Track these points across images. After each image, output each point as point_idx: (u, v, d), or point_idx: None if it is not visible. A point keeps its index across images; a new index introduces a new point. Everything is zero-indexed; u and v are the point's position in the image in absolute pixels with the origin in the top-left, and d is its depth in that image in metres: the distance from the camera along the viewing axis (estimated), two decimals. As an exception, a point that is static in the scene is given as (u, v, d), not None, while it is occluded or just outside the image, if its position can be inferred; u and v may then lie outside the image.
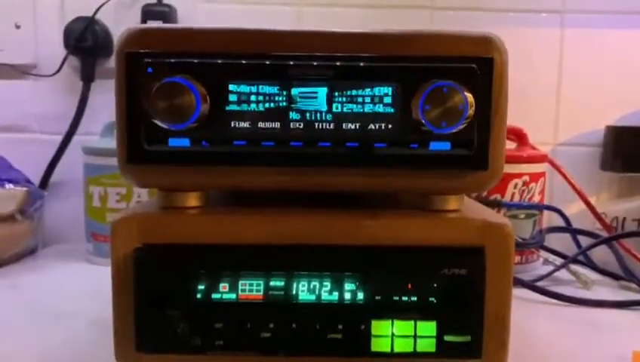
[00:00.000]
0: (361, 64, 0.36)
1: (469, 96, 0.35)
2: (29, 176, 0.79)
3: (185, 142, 0.36)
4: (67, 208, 0.84)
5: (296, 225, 0.39)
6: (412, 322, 0.37)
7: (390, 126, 0.36)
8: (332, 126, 0.36)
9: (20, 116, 0.84)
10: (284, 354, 0.38)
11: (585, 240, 0.75)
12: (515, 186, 0.70)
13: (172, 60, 0.35)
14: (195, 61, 0.35)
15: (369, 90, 0.36)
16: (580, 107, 0.84)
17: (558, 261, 0.70)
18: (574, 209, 0.81)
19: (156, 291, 0.38)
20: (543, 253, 0.72)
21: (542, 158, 0.73)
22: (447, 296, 0.37)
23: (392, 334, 0.37)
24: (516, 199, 0.70)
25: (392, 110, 0.36)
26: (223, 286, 0.38)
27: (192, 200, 0.40)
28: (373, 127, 0.36)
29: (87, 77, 0.80)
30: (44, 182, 0.83)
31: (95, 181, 0.72)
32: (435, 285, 0.37)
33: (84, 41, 0.78)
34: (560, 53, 0.84)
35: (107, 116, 0.76)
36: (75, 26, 0.78)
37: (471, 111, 0.35)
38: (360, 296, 0.38)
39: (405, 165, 0.37)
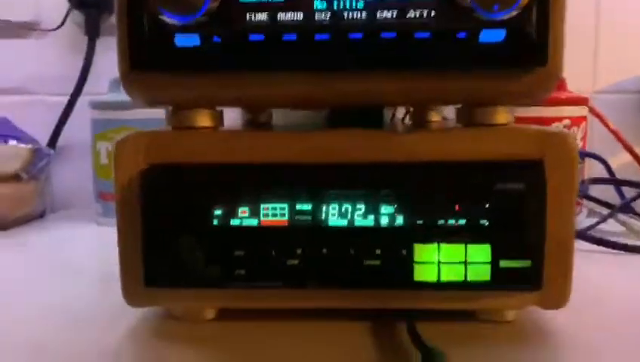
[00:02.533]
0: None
1: (526, -24, 0.30)
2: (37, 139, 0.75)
3: (194, 39, 0.31)
4: (76, 173, 0.80)
5: (325, 141, 0.34)
6: (462, 246, 0.32)
7: (433, 13, 0.31)
8: (364, 15, 0.31)
9: (24, 78, 0.79)
10: (313, 285, 0.33)
11: (628, 193, 0.69)
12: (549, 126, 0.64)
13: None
14: (205, -56, 0.30)
15: (408, -29, 0.30)
16: (619, 53, 0.78)
17: (604, 212, 0.64)
18: (616, 160, 0.75)
19: (167, 216, 0.33)
20: (587, 204, 0.66)
21: (583, 101, 0.67)
22: (503, 215, 0.32)
23: (439, 261, 0.32)
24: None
25: (435, -6, 0.30)
26: (243, 211, 0.33)
27: (205, 119, 0.35)
28: (413, 15, 0.31)
29: (92, 33, 0.76)
30: (51, 146, 0.78)
31: (102, 136, 0.68)
32: (488, 202, 0.32)
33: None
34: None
35: (114, 74, 0.72)
36: (78, -23, 0.74)
37: (528, -7, 0.30)
38: (399, 219, 0.33)
39: (452, 61, 0.31)
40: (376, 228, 0.33)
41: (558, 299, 0.34)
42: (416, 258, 0.32)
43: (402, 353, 0.32)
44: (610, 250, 0.54)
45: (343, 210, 0.33)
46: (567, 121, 0.65)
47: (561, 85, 0.69)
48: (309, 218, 0.33)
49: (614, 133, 0.70)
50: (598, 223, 0.62)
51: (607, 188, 0.71)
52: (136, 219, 0.33)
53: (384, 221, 0.33)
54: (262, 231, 0.33)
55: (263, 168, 0.33)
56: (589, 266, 0.46)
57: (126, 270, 0.34)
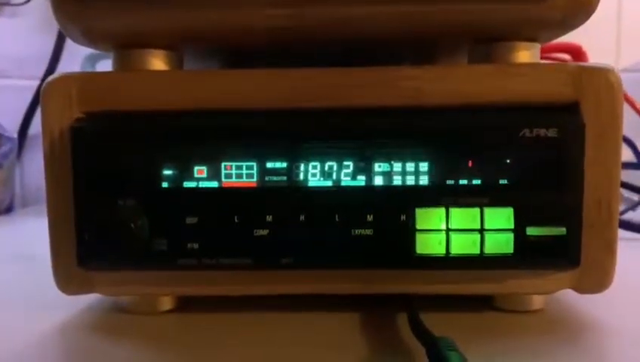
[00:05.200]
0: None
1: None
2: (8, 128, 0.68)
3: (133, -56, 0.25)
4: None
5: (304, 82, 0.27)
6: (477, 209, 0.25)
7: None
8: None
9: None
10: (289, 264, 0.26)
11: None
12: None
13: None
14: None
15: None
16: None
17: (634, 198, 0.57)
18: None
19: (103, 176, 0.26)
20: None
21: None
22: (529, 171, 0.25)
23: (448, 228, 0.25)
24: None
25: None
26: (200, 171, 0.26)
27: (158, 61, 0.28)
28: None
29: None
30: (22, 134, 0.72)
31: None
32: (512, 154, 0.25)
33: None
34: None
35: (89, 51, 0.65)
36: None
37: None
38: (397, 177, 0.26)
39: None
40: (368, 189, 0.26)
41: (600, 280, 0.27)
42: (419, 225, 0.25)
43: (403, 348, 0.25)
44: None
45: (327, 167, 0.26)
46: (590, 96, 0.58)
47: (583, 58, 0.62)
48: (284, 178, 0.26)
49: (641, 112, 0.63)
50: (627, 210, 0.55)
51: (635, 172, 0.64)
52: (68, 182, 0.27)
53: (378, 180, 0.26)
54: (223, 195, 0.26)
55: (223, 116, 0.26)
56: (621, 255, 0.39)
57: (57, 248, 0.27)
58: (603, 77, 0.26)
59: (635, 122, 0.64)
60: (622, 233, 0.47)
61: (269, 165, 0.26)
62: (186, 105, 0.27)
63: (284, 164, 0.26)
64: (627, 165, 0.64)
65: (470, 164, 0.25)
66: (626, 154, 0.65)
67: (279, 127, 0.26)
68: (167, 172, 0.26)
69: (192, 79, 0.27)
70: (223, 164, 0.26)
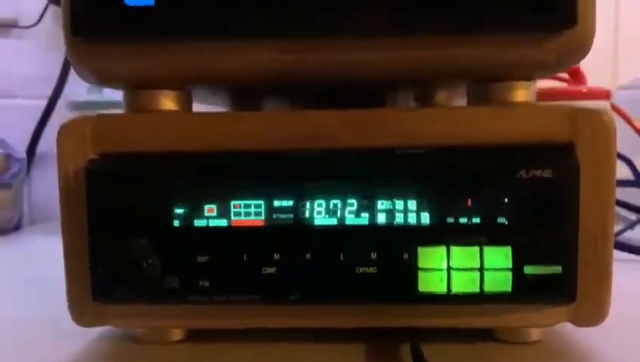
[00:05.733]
0: None
1: None
2: (15, 147, 0.69)
3: (147, -3, 0.26)
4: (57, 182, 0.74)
5: (308, 124, 0.28)
6: (477, 248, 0.26)
7: (437, -38, 0.25)
8: (353, -34, 0.25)
9: (1, 79, 0.74)
10: (296, 299, 0.27)
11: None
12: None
13: None
14: None
15: None
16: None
17: (631, 217, 0.58)
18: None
19: (117, 216, 0.27)
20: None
21: (605, 95, 0.61)
22: (526, 210, 0.26)
23: (449, 267, 0.26)
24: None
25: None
26: (210, 209, 0.27)
27: (168, 101, 0.29)
28: (413, -35, 0.25)
29: (74, 31, 0.71)
30: (31, 153, 0.73)
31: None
32: (509, 194, 0.26)
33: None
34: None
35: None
36: (57, -30, 0.69)
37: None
38: (399, 216, 0.27)
39: (460, 23, 0.25)
40: (372, 228, 0.27)
41: (596, 313, 0.28)
42: (421, 264, 0.26)
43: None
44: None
45: (332, 206, 0.27)
46: (588, 117, 0.59)
47: (578, 77, 0.63)
48: (290, 216, 0.27)
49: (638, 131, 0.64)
50: (625, 229, 0.56)
51: (633, 190, 0.65)
52: (82, 219, 0.28)
53: (381, 219, 0.27)
54: (232, 233, 0.27)
55: (233, 157, 0.28)
56: (619, 277, 0.40)
57: (72, 282, 0.29)
58: (597, 118, 0.27)
59: (632, 140, 0.65)
60: (619, 254, 0.48)
61: (277, 203, 0.27)
62: (195, 146, 0.28)
63: (291, 203, 0.27)
64: (624, 183, 0.64)
65: (469, 203, 0.27)
66: (624, 172, 0.66)
67: (285, 168, 0.27)
68: (178, 211, 0.27)
69: (201, 121, 0.28)
70: (232, 203, 0.27)
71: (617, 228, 0.57)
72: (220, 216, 0.27)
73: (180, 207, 0.27)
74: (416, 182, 0.27)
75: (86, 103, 0.62)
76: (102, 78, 0.29)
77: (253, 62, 0.28)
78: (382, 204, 0.27)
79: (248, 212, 0.27)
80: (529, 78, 0.29)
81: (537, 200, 0.26)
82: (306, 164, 0.27)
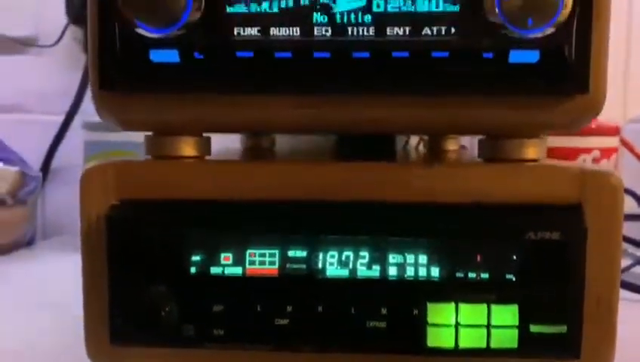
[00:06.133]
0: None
1: (565, -15, 0.25)
2: (30, 161, 0.71)
3: (172, 55, 0.27)
4: (71, 196, 0.75)
5: (323, 176, 0.29)
6: (484, 306, 0.27)
7: (454, 29, 0.26)
8: (372, 31, 0.26)
9: (19, 95, 0.76)
10: (308, 349, 0.28)
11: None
12: (584, 163, 0.59)
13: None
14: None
15: (423, -21, 0.26)
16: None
17: (638, 253, 0.59)
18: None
19: (136, 262, 0.28)
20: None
21: (614, 131, 0.62)
22: (533, 269, 0.27)
23: (457, 323, 0.27)
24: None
25: (456, 6, 0.26)
26: (225, 257, 0.28)
27: (188, 147, 0.30)
28: (430, 32, 0.26)
29: (92, 49, 0.72)
30: (45, 168, 0.75)
31: (95, 159, 0.63)
32: (516, 255, 0.27)
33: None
34: (629, 18, 0.73)
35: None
36: (77, -9, 0.70)
37: (567, 7, 0.25)
38: (410, 270, 0.27)
39: (476, 86, 0.26)
40: (383, 281, 0.27)
41: (600, 369, 0.28)
42: (430, 319, 0.27)
43: None
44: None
45: (344, 257, 0.28)
46: (596, 153, 0.60)
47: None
48: (304, 266, 0.28)
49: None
50: (632, 266, 0.56)
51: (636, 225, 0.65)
52: (103, 263, 0.29)
53: (392, 272, 0.28)
54: (247, 282, 0.28)
55: (249, 206, 0.28)
56: (625, 318, 0.40)
57: (90, 324, 0.29)
58: (605, 180, 0.28)
59: (638, 172, 0.65)
60: (624, 293, 0.48)
61: (290, 254, 0.28)
62: (214, 194, 0.29)
63: (304, 253, 0.28)
64: (630, 217, 0.65)
65: (478, 259, 0.27)
66: (630, 206, 0.66)
67: (300, 219, 0.28)
68: (195, 258, 0.28)
69: (219, 171, 0.29)
70: (247, 251, 0.28)
71: (624, 263, 0.57)
72: (235, 263, 0.28)
73: (197, 255, 0.28)
74: (427, 238, 0.27)
75: (100, 124, 0.63)
76: (126, 126, 0.30)
77: (273, 115, 0.28)
78: (393, 258, 0.28)
79: (263, 261, 0.28)
80: (540, 136, 0.30)
81: (545, 260, 0.27)
82: (319, 216, 0.28)
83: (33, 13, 0.75)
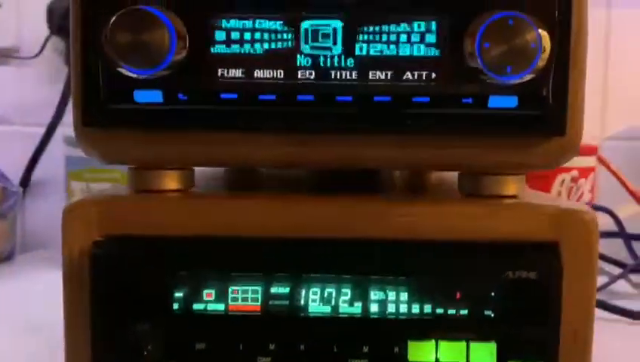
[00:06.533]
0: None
1: (544, 34, 0.25)
2: (9, 174, 0.70)
3: (156, 95, 0.27)
4: (50, 210, 0.74)
5: (305, 213, 0.29)
6: (464, 343, 0.27)
7: (434, 74, 0.26)
8: (354, 75, 0.26)
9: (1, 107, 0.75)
10: (290, 386, 0.28)
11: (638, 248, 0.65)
12: (562, 183, 0.60)
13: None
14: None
15: (405, 24, 0.26)
16: (629, 97, 0.74)
17: (615, 271, 0.60)
18: (625, 212, 0.70)
19: (119, 298, 0.28)
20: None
21: (592, 150, 0.63)
22: (511, 307, 0.28)
23: (437, 360, 0.28)
24: (564, 198, 0.60)
25: (437, 52, 0.26)
26: (208, 294, 0.28)
27: (171, 181, 0.30)
28: (411, 77, 0.26)
29: (73, 62, 0.72)
30: (25, 181, 0.74)
31: (77, 176, 0.63)
32: (495, 293, 0.28)
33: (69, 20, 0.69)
34: (606, 36, 0.74)
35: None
36: (59, 3, 0.70)
37: (545, 54, 0.26)
38: (391, 307, 0.28)
39: (455, 128, 0.27)
40: (364, 319, 0.28)
41: (575, 402, 0.29)
42: (411, 357, 0.28)
43: None
44: (624, 318, 0.49)
45: (326, 294, 0.28)
46: (574, 173, 0.61)
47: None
48: (286, 303, 0.28)
49: (624, 183, 0.66)
50: (607, 284, 0.57)
51: (616, 242, 0.67)
52: (85, 299, 0.29)
53: (374, 309, 0.28)
54: (229, 319, 0.28)
55: (232, 242, 0.29)
56: (601, 339, 0.41)
57: (72, 358, 0.29)
58: (580, 219, 0.28)
59: (615, 190, 0.66)
60: (599, 313, 0.49)
61: (273, 290, 0.28)
62: (196, 230, 0.29)
63: (287, 290, 0.28)
64: (606, 234, 0.66)
65: (458, 296, 0.28)
66: (606, 223, 0.67)
67: (283, 255, 0.29)
68: (178, 295, 0.28)
69: (201, 207, 0.29)
70: (230, 288, 0.28)
71: (601, 282, 0.59)
72: (217, 300, 0.28)
73: (180, 291, 0.28)
74: (409, 275, 0.28)
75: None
76: (109, 160, 0.30)
77: (256, 153, 0.29)
78: (375, 295, 0.28)
79: (245, 297, 0.28)
80: (520, 173, 0.30)
81: (522, 298, 0.27)
82: (302, 253, 0.29)
83: (14, 25, 0.74)
